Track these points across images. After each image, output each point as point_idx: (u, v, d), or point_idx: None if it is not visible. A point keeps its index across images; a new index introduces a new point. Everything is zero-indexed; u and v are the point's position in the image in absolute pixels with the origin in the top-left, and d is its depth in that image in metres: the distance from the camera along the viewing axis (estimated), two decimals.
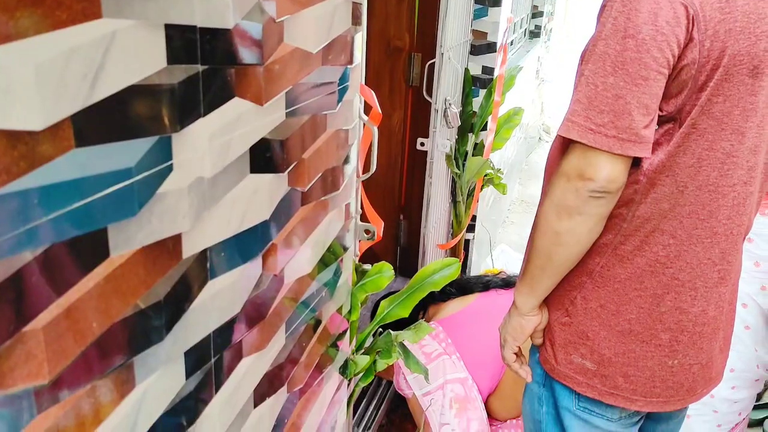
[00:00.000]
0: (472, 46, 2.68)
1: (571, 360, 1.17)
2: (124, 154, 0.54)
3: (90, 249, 0.52)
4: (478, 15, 2.64)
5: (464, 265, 3.06)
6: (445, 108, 2.34)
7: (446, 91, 2.37)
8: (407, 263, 2.91)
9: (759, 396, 2.46)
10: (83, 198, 0.50)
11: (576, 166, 0.99)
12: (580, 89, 0.98)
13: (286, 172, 0.86)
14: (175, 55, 0.58)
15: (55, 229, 0.48)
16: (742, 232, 1.10)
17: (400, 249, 2.95)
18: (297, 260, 0.94)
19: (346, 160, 1.13)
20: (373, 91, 1.38)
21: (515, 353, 1.23)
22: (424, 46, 2.54)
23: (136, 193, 0.56)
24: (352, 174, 1.18)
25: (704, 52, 0.92)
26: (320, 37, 0.90)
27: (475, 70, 2.70)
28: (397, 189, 2.88)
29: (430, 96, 2.34)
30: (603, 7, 0.99)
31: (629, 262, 1.09)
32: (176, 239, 0.63)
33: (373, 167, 1.50)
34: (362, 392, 2.15)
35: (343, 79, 1.02)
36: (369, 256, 2.95)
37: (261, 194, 0.79)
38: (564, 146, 1.04)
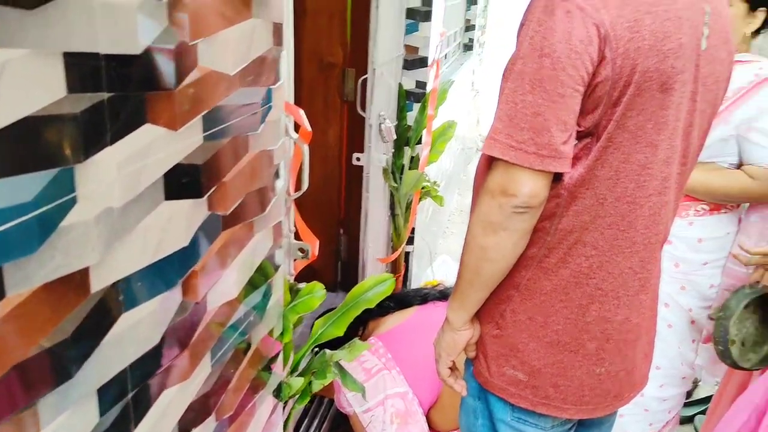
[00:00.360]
0: (405, 60, 2.70)
1: (504, 372, 1.19)
2: (21, 188, 0.52)
3: None
4: (410, 30, 2.66)
5: (405, 278, 3.07)
6: (380, 123, 2.35)
7: (380, 106, 2.38)
8: (348, 277, 2.91)
9: (690, 393, 2.56)
10: None
11: (499, 182, 1.01)
12: (501, 107, 0.99)
13: (206, 197, 0.84)
14: (76, 84, 0.56)
15: None
16: (659, 241, 1.14)
17: (341, 263, 2.95)
18: (222, 285, 0.92)
19: (274, 180, 1.12)
20: (301, 109, 1.37)
21: (450, 368, 1.24)
22: (357, 62, 2.56)
23: (35, 228, 0.53)
24: (282, 193, 1.17)
25: (616, 69, 0.96)
26: (239, 59, 0.89)
27: (409, 85, 2.72)
28: (335, 203, 2.87)
29: (364, 111, 2.35)
30: (521, 26, 1.01)
31: (554, 274, 1.11)
32: (84, 273, 0.61)
33: (305, 185, 1.49)
34: (303, 411, 2.12)
35: (266, 99, 1.01)
36: (309, 273, 2.93)
37: (177, 221, 0.77)
38: (489, 163, 1.06)
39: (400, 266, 2.95)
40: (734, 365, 1.59)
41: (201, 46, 0.78)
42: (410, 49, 2.70)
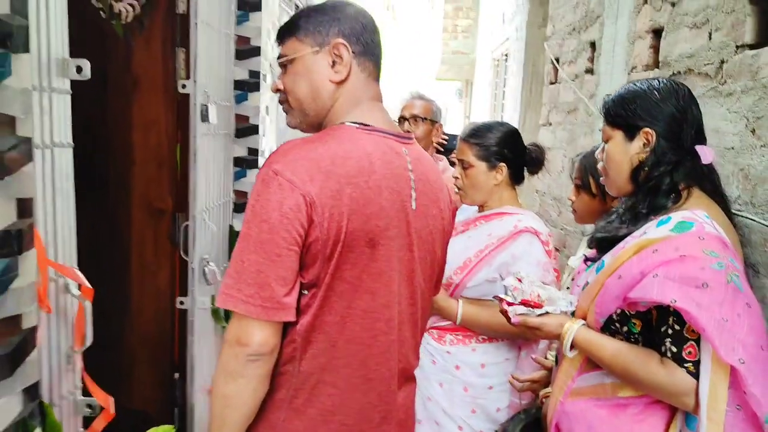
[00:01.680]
0: (235, 204, 2.84)
1: None
2: None
3: None
4: (239, 176, 2.84)
5: None
6: (203, 266, 2.43)
7: (204, 250, 2.46)
8: (187, 423, 2.83)
9: None
10: None
11: (234, 333, 1.12)
12: (232, 265, 1.12)
13: None
14: None
15: None
16: (395, 375, 1.27)
17: (178, 409, 2.87)
18: None
19: (27, 343, 1.15)
20: (77, 269, 1.43)
21: None
22: (186, 208, 2.66)
23: None
24: (37, 355, 1.20)
25: (324, 230, 1.11)
26: None
27: (240, 227, 2.85)
28: (169, 347, 2.84)
29: (187, 255, 2.43)
30: (251, 194, 1.17)
31: (303, 414, 1.20)
32: None
33: (89, 340, 1.52)
34: None
35: (8, 270, 1.07)
36: (146, 420, 2.83)
37: None
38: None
39: None
40: None
41: None
42: (240, 194, 2.85)
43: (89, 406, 1.57)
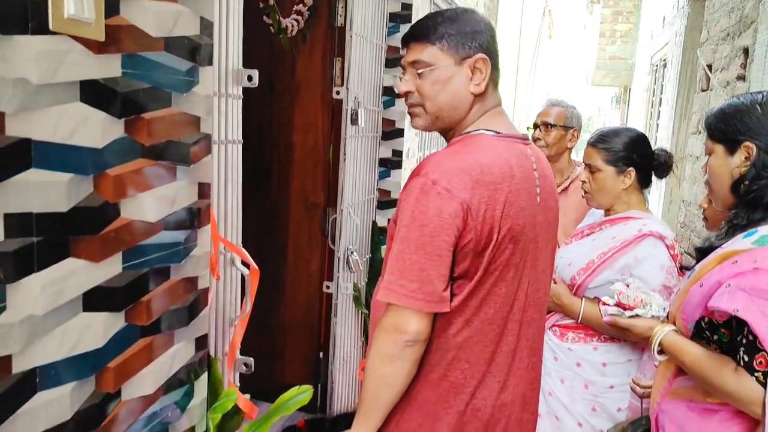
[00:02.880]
0: (379, 201, 3.07)
1: None
2: None
3: None
4: (383, 176, 3.06)
5: None
6: (348, 255, 2.67)
7: (348, 241, 2.70)
8: (327, 400, 3.10)
9: None
10: None
11: (393, 322, 1.29)
12: (393, 264, 1.29)
13: (124, 311, 1.14)
14: (12, 232, 0.88)
15: None
16: (512, 350, 1.39)
17: (321, 386, 3.15)
18: (137, 381, 1.19)
19: (200, 300, 1.41)
20: (244, 249, 1.69)
21: None
22: (335, 202, 2.93)
23: None
24: (207, 312, 1.45)
25: (477, 232, 1.27)
26: (162, 210, 1.22)
27: (383, 222, 3.07)
28: (316, 329, 3.14)
29: (334, 245, 2.68)
30: (401, 200, 1.33)
31: (437, 387, 1.36)
32: (7, 358, 0.90)
33: (248, 308, 1.78)
34: None
35: (189, 240, 1.33)
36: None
37: (94, 328, 1.06)
38: (383, 305, 1.33)
39: None
40: None
41: (124, 204, 1.11)
42: (383, 192, 3.07)
43: (245, 364, 1.84)
